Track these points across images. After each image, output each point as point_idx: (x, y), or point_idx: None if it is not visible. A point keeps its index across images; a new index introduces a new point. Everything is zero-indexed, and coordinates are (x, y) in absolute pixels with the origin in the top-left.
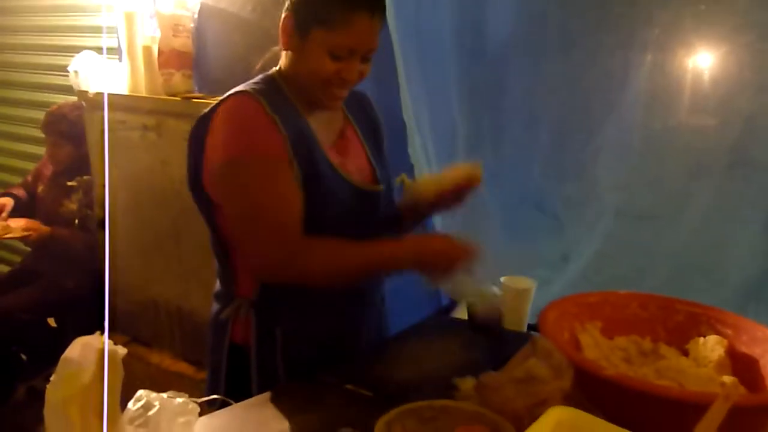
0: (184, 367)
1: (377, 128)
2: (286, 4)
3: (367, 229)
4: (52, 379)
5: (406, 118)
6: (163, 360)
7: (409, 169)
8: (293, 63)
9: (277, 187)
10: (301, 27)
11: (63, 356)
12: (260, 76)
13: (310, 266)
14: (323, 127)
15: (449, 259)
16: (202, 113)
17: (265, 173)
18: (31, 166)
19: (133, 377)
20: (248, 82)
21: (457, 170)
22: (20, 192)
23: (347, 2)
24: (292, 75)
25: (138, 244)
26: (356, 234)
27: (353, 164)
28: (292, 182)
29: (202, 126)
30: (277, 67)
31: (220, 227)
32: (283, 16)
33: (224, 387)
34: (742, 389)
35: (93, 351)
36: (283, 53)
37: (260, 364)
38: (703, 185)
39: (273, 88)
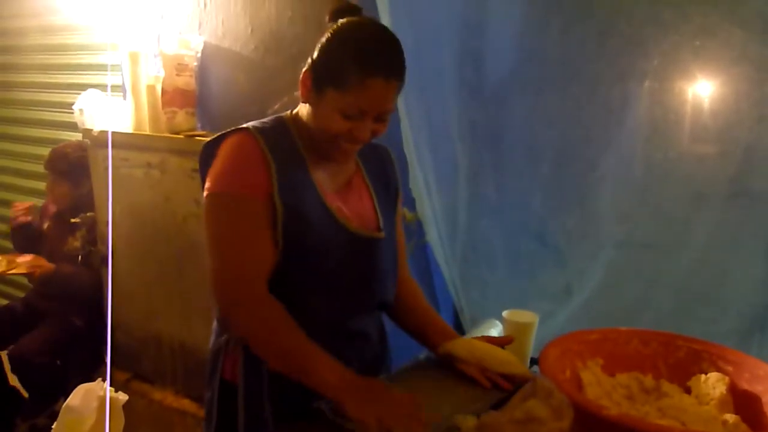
0: (186, 404)
1: (392, 183)
2: (309, 59)
3: (365, 278)
4: (54, 427)
5: (406, 151)
6: (166, 397)
7: (411, 202)
8: (308, 115)
9: (246, 226)
10: (317, 84)
11: (65, 404)
12: (272, 117)
13: (245, 324)
14: (329, 174)
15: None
16: (206, 142)
17: (238, 210)
18: (37, 202)
19: (136, 415)
20: (256, 121)
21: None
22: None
23: (362, 67)
24: (305, 124)
25: (141, 280)
26: (354, 281)
27: (354, 210)
28: (264, 227)
29: (207, 156)
30: (291, 111)
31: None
32: (303, 69)
33: (216, 424)
34: (744, 427)
35: (94, 398)
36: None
37: (247, 402)
38: (705, 215)
39: (279, 128)
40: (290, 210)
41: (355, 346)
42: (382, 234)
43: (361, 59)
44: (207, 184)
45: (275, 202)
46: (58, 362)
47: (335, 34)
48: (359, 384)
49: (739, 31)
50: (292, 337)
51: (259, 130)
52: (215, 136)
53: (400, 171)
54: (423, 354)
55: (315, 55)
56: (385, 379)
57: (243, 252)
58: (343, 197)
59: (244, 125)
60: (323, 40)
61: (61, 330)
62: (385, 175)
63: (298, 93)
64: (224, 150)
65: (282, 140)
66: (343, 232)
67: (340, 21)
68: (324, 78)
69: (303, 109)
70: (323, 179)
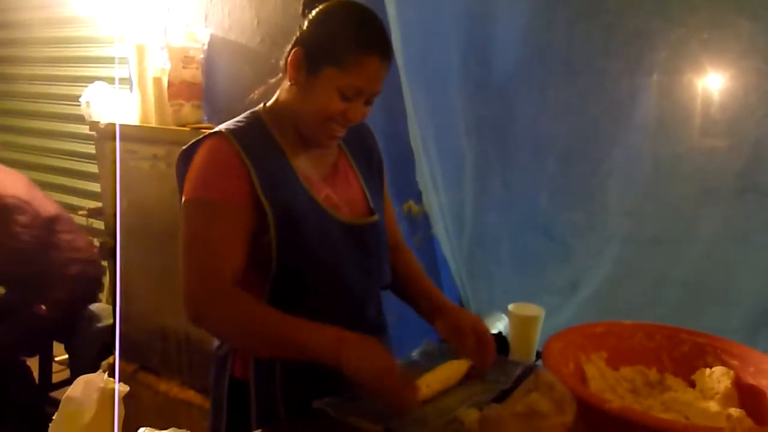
0: (192, 396)
1: (375, 157)
2: (295, 38)
3: (363, 267)
4: (54, 418)
5: (413, 145)
6: (171, 388)
7: (417, 195)
8: (297, 97)
9: (217, 231)
10: (312, 63)
11: (65, 395)
12: (245, 114)
13: (220, 323)
14: (312, 162)
15: (380, 387)
16: (183, 149)
17: (210, 216)
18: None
19: (142, 405)
20: (231, 121)
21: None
22: None
23: (361, 44)
24: (289, 109)
25: (147, 273)
26: (352, 269)
27: (344, 197)
28: (236, 230)
29: (184, 163)
30: (264, 104)
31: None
32: (292, 50)
33: (226, 422)
34: (749, 422)
35: (95, 389)
36: (283, 86)
37: (259, 399)
38: (713, 210)
39: (253, 124)
40: (279, 209)
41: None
42: (375, 217)
43: (360, 37)
44: (184, 189)
45: (262, 203)
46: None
47: (328, 14)
48: (353, 338)
49: (748, 23)
50: (271, 321)
51: (233, 132)
52: (190, 143)
53: (380, 144)
54: (419, 348)
55: (306, 34)
56: None
57: (212, 256)
58: (331, 183)
59: (218, 128)
60: (313, 20)
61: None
62: (368, 151)
63: (273, 80)
64: (199, 156)
65: (258, 138)
66: (335, 223)
67: (321, 5)
68: (320, 57)
69: (286, 95)
70: (307, 169)
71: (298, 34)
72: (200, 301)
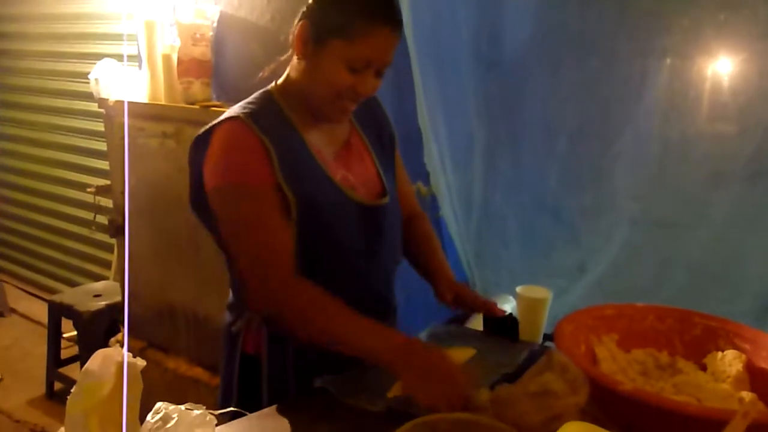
0: (199, 373)
1: (386, 130)
2: (301, 12)
3: (377, 243)
4: (72, 390)
5: (422, 125)
6: (179, 365)
7: (425, 177)
8: (305, 73)
9: (263, 217)
10: (318, 36)
11: (84, 368)
12: (256, 94)
13: (290, 311)
14: (325, 139)
15: (444, 400)
16: (197, 135)
17: (250, 201)
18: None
19: (149, 382)
20: (243, 103)
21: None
22: None
23: (368, 14)
24: (298, 86)
25: (155, 250)
26: (365, 249)
27: (359, 177)
28: (276, 213)
29: (199, 149)
30: (275, 83)
31: (226, 242)
32: (298, 24)
33: (236, 397)
34: (760, 405)
35: (113, 363)
36: (292, 63)
37: (271, 375)
38: (722, 194)
39: (268, 106)
40: (301, 196)
41: (377, 315)
42: (387, 199)
43: (367, 7)
44: (208, 179)
45: (284, 190)
46: None
47: None
48: (406, 351)
49: (765, 5)
50: (339, 316)
51: (250, 116)
52: (204, 128)
53: (390, 115)
54: (426, 330)
55: (312, 7)
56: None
57: (266, 240)
58: (345, 162)
59: (232, 112)
60: None
61: None
62: (378, 125)
63: (283, 57)
64: (219, 141)
65: (274, 120)
66: (351, 204)
67: None
68: (326, 28)
69: (295, 71)
70: (321, 146)
71: (304, 8)
72: (269, 293)
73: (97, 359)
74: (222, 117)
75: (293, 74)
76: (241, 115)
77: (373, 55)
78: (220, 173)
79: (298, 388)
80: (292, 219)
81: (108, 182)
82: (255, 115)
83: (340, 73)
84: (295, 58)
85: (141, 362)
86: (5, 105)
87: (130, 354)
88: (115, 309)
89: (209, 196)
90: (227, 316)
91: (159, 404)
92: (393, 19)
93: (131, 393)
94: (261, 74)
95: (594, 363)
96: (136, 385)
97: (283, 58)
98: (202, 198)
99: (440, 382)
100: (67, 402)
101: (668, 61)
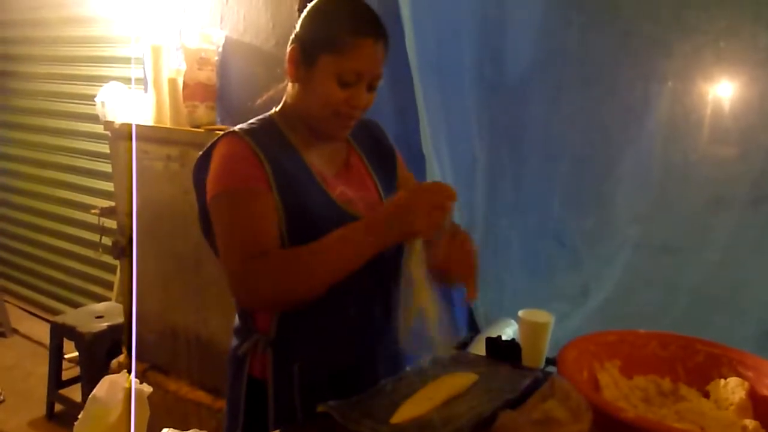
0: (201, 396)
1: (388, 154)
2: (292, 36)
3: (376, 260)
4: (80, 416)
5: (425, 149)
6: (181, 388)
7: None
8: (300, 95)
9: (251, 213)
10: (308, 56)
11: (91, 395)
12: (257, 118)
13: (272, 283)
14: (325, 159)
15: (434, 201)
16: (199, 155)
17: (240, 202)
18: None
19: (152, 405)
20: (244, 123)
21: None
22: None
23: (353, 27)
24: (296, 108)
25: (158, 272)
26: (367, 265)
27: (358, 194)
28: (269, 209)
29: (202, 168)
30: (276, 108)
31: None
32: (289, 48)
33: (243, 421)
34: None
35: (120, 389)
36: (289, 87)
37: (277, 399)
38: (725, 218)
39: (267, 126)
40: (291, 207)
41: (381, 337)
42: None
43: (351, 21)
44: (208, 191)
45: (276, 201)
46: None
47: (318, 8)
48: (385, 212)
49: (765, 32)
50: (318, 253)
51: (247, 132)
52: (205, 147)
53: (392, 137)
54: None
55: (299, 30)
56: (391, 382)
57: (253, 235)
58: (344, 179)
59: (231, 129)
60: (305, 16)
61: None
62: (377, 144)
63: (281, 85)
64: (217, 155)
65: (272, 137)
66: (348, 217)
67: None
68: (314, 46)
69: (292, 95)
70: (321, 166)
71: (293, 34)
72: (247, 273)
73: (104, 386)
74: (220, 135)
75: (289, 100)
76: (238, 130)
77: (363, 67)
78: (216, 182)
79: (305, 412)
80: (282, 232)
81: (112, 204)
82: (252, 132)
83: (333, 89)
84: (289, 84)
85: (147, 389)
86: (12, 126)
87: (137, 380)
88: (117, 330)
89: (209, 209)
90: (233, 341)
91: (166, 430)
92: (376, 31)
93: (138, 419)
94: (258, 101)
95: (596, 389)
96: (143, 411)
97: (281, 86)
98: (209, 221)
99: (421, 198)
100: (74, 428)
101: (670, 85)
